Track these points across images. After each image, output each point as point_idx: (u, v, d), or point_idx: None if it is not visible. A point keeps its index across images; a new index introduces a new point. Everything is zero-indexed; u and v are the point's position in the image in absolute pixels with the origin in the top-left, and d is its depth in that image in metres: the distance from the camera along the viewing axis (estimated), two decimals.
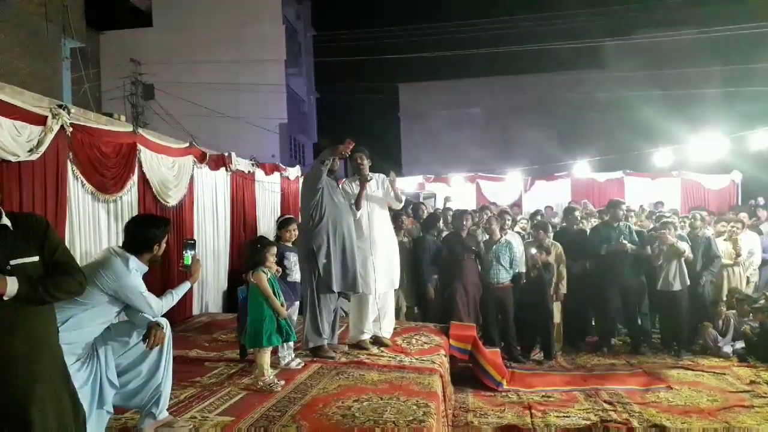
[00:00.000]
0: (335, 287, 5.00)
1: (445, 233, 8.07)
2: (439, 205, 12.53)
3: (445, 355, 5.50)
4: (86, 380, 3.02)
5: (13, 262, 2.28)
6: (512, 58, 24.52)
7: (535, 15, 26.36)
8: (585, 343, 7.89)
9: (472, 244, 7.26)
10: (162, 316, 3.35)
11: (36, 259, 2.35)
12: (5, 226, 2.34)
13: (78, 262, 2.64)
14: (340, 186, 5.33)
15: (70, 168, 4.86)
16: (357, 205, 5.22)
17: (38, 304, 2.34)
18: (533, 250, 7.28)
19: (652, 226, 8.69)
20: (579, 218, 8.62)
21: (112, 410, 3.20)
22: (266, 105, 21.72)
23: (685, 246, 7.34)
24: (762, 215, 9.89)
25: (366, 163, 5.34)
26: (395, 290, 5.94)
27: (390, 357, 5.08)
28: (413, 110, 28.78)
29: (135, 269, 3.21)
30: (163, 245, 3.39)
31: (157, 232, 3.34)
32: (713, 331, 7.38)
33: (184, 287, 3.53)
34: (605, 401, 5.55)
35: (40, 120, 4.37)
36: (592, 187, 14.21)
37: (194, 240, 3.82)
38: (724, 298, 7.85)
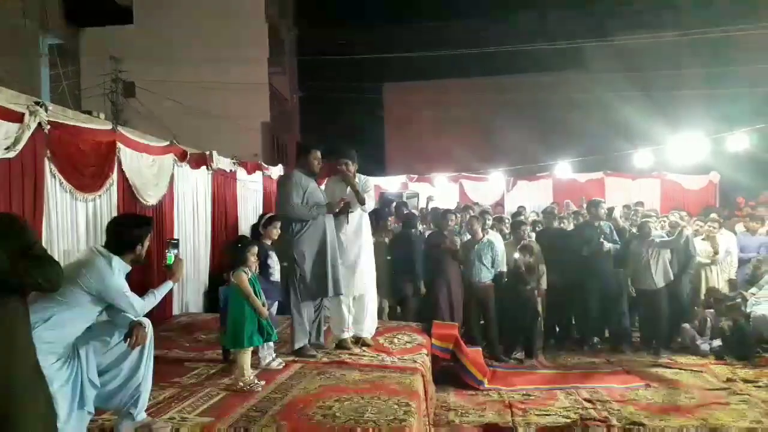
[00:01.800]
0: (321, 293, 5.02)
1: (428, 233, 8.10)
2: (422, 204, 12.55)
3: (427, 355, 5.52)
4: (67, 380, 2.99)
5: None
6: (496, 59, 24.57)
7: (518, 16, 26.51)
8: (566, 341, 7.95)
9: (454, 244, 7.28)
10: (143, 316, 3.32)
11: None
12: None
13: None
14: (322, 185, 5.31)
15: (48, 166, 4.78)
16: (342, 211, 5.18)
17: (16, 281, 2.28)
18: (516, 255, 7.31)
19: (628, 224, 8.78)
20: (555, 217, 8.73)
21: (93, 410, 3.16)
22: (249, 104, 21.56)
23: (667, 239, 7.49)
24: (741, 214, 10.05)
25: (352, 168, 5.33)
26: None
27: (372, 356, 5.09)
28: (397, 110, 28.80)
29: (118, 269, 3.18)
30: (146, 245, 3.36)
31: (139, 232, 3.31)
32: (691, 329, 7.49)
33: (166, 287, 3.51)
34: (585, 399, 5.61)
35: (16, 117, 4.29)
36: (573, 187, 14.33)
37: (177, 240, 3.80)
38: (702, 298, 7.97)
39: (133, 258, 3.31)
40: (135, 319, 3.20)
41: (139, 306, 3.23)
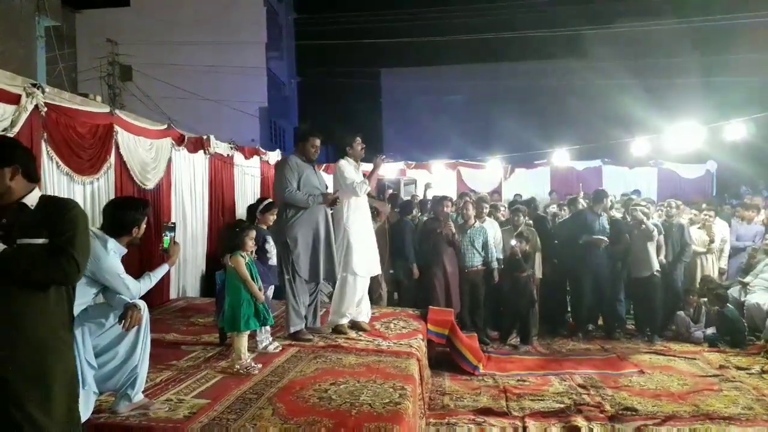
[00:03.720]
0: (314, 277, 5.06)
1: (425, 219, 8.13)
2: (420, 191, 12.55)
3: (423, 340, 5.55)
4: None
5: (20, 241, 2.25)
6: (494, 46, 24.55)
7: (517, 3, 26.37)
8: (561, 328, 7.99)
9: (450, 230, 7.31)
10: (139, 298, 3.34)
11: (42, 241, 2.27)
12: (25, 204, 2.34)
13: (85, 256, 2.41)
14: (329, 168, 5.35)
15: (45, 148, 4.78)
16: (370, 182, 5.36)
17: (11, 273, 2.22)
18: (513, 242, 7.35)
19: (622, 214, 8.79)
20: (541, 207, 8.80)
21: (97, 391, 3.19)
22: (246, 88, 21.48)
23: (653, 227, 7.48)
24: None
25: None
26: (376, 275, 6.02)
27: (368, 341, 5.12)
28: (395, 96, 28.70)
29: (113, 251, 3.20)
30: (143, 228, 3.38)
31: (136, 215, 3.32)
32: (686, 317, 7.54)
33: (162, 270, 3.53)
34: (579, 385, 5.66)
35: (13, 99, 4.29)
36: (570, 175, 14.33)
37: (174, 223, 3.82)
38: (697, 286, 8.01)
39: (129, 240, 3.33)
40: (130, 301, 3.22)
41: (134, 288, 3.25)
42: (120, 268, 3.22)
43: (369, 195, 5.64)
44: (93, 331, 3.20)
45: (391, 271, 7.36)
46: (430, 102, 27.49)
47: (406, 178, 14.69)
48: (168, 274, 6.70)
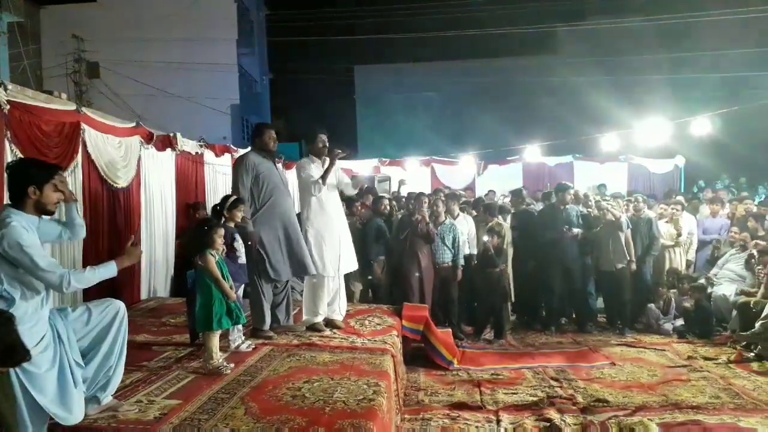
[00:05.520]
0: (280, 276, 5.02)
1: (400, 216, 8.13)
2: (394, 188, 12.56)
3: (398, 336, 5.56)
4: (52, 363, 2.94)
5: None
6: (468, 43, 24.67)
7: (489, 0, 26.53)
8: (534, 322, 8.07)
9: (427, 226, 7.33)
10: (115, 299, 3.33)
11: None
12: None
13: None
14: (281, 167, 5.30)
15: (8, 147, 4.65)
16: (324, 180, 5.18)
17: None
18: (485, 237, 7.39)
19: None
20: (524, 200, 8.89)
21: (84, 389, 3.14)
22: (218, 85, 21.22)
23: (620, 214, 7.61)
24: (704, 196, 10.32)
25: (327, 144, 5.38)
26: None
27: (342, 338, 5.11)
28: (369, 93, 28.61)
29: (15, 222, 2.87)
30: (50, 194, 3.02)
31: (31, 171, 3.01)
32: (655, 309, 7.68)
33: (109, 268, 3.13)
34: (552, 378, 5.73)
35: None
36: (542, 171, 14.49)
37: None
38: (666, 278, 8.16)
39: (34, 204, 3.00)
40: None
41: (51, 268, 2.89)
42: (25, 240, 2.84)
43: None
44: (77, 331, 3.16)
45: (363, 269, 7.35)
46: (404, 99, 27.48)
47: (379, 175, 14.70)
48: (137, 273, 6.63)
